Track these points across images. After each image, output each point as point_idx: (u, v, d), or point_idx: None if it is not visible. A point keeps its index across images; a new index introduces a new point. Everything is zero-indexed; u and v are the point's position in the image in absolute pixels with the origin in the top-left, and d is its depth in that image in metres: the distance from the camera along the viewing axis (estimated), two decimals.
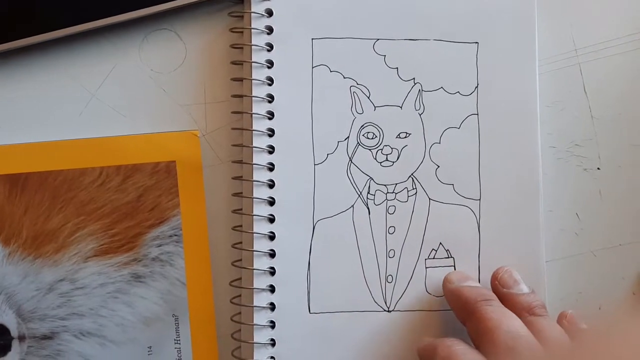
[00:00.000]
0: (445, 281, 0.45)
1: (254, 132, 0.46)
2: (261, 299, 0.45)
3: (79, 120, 0.46)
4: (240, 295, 0.46)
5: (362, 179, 0.46)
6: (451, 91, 0.47)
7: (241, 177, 0.46)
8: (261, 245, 0.46)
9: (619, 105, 0.49)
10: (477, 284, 0.45)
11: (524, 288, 0.44)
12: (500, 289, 0.45)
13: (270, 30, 0.46)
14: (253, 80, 0.46)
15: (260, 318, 0.45)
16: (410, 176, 0.47)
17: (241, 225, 0.46)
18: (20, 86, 0.46)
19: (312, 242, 0.46)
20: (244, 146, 0.46)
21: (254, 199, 0.45)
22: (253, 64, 0.46)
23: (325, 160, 0.46)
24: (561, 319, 0.44)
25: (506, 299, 0.44)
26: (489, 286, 0.45)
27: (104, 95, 0.46)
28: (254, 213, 0.45)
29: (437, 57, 0.47)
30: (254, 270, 0.45)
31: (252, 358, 0.45)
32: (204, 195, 0.46)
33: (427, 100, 0.47)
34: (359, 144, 0.46)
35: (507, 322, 0.41)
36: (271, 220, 0.46)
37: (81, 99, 0.46)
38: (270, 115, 0.46)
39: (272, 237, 0.46)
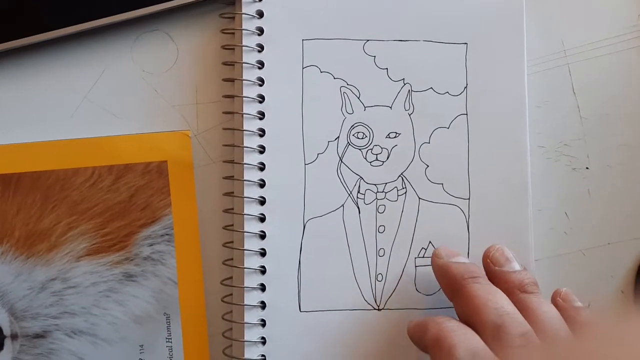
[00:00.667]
0: (434, 256, 0.45)
1: (245, 132, 0.46)
2: (252, 298, 0.46)
3: (71, 121, 0.46)
4: (231, 294, 0.47)
5: (352, 178, 0.47)
6: (440, 91, 0.47)
7: (232, 176, 0.46)
8: (252, 244, 0.46)
9: (607, 105, 0.49)
10: (466, 260, 0.45)
11: (516, 266, 0.44)
12: (492, 267, 0.44)
13: (261, 31, 0.46)
14: (244, 81, 0.46)
15: (251, 316, 0.46)
16: (400, 176, 0.47)
17: (232, 225, 0.46)
18: (12, 87, 0.46)
19: (302, 241, 0.46)
20: (235, 146, 0.46)
21: (245, 199, 0.46)
22: (244, 64, 0.46)
23: (315, 160, 0.47)
24: (555, 297, 0.44)
25: (498, 277, 0.44)
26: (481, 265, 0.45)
27: (96, 96, 0.47)
28: (245, 212, 0.46)
29: (427, 57, 0.47)
30: (245, 269, 0.46)
31: (243, 356, 0.46)
32: (196, 195, 0.47)
33: (416, 101, 0.47)
34: (349, 143, 0.47)
35: (493, 299, 0.42)
36: (262, 219, 0.46)
37: (73, 99, 0.46)
38: (261, 115, 0.46)
39: (262, 236, 0.46)
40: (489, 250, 0.45)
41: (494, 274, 0.44)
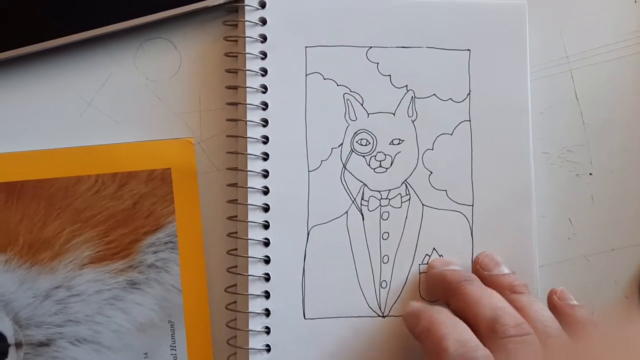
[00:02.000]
0: (429, 267, 0.46)
1: (248, 139, 0.46)
2: (256, 305, 0.46)
3: (74, 128, 0.46)
4: (235, 302, 0.47)
5: (356, 185, 0.47)
6: (444, 98, 0.47)
7: (236, 184, 0.46)
8: (256, 251, 0.46)
9: (610, 111, 0.49)
10: (460, 268, 0.46)
11: (505, 269, 0.45)
12: (482, 273, 0.46)
13: (264, 38, 0.46)
14: (247, 88, 0.46)
15: (256, 324, 0.46)
16: (403, 182, 0.47)
17: (236, 232, 0.46)
18: (16, 95, 0.46)
19: (306, 248, 0.46)
20: (238, 153, 0.46)
21: (249, 206, 0.46)
22: (247, 72, 0.46)
23: (319, 167, 0.47)
24: (551, 295, 0.45)
25: (488, 282, 0.45)
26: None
27: (99, 103, 0.47)
28: (249, 220, 0.46)
29: (430, 64, 0.47)
30: (249, 277, 0.46)
31: None
32: (199, 202, 0.46)
33: (419, 107, 0.47)
34: (352, 150, 0.47)
35: (487, 295, 0.43)
36: (266, 226, 0.46)
37: (77, 107, 0.46)
38: (265, 122, 0.46)
39: (266, 243, 0.46)
40: (478, 257, 0.46)
41: (484, 279, 0.45)
